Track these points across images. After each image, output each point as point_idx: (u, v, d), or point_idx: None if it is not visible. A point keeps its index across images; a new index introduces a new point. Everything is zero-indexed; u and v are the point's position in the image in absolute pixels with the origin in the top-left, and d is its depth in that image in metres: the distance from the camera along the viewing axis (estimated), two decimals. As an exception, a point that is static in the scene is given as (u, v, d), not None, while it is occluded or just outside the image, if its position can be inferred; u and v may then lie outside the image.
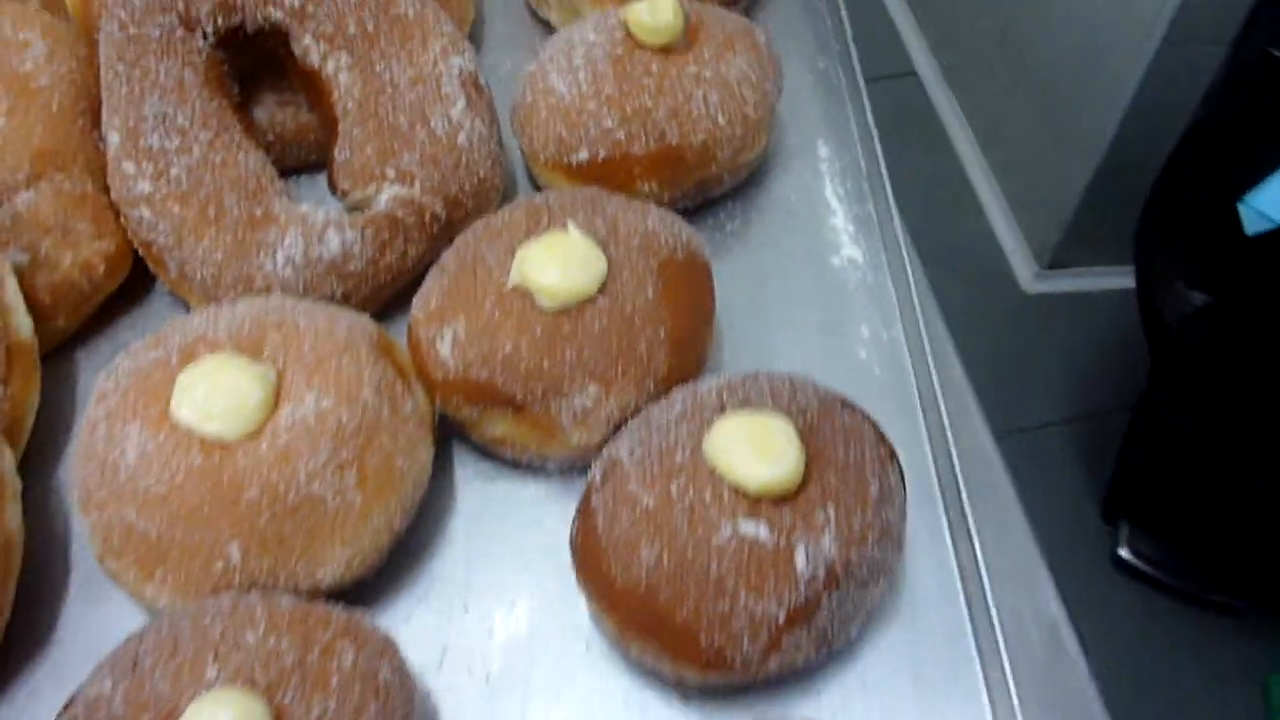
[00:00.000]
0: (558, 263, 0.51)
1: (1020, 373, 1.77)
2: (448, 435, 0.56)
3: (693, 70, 0.59)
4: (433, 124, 0.59)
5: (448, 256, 0.55)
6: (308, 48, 0.60)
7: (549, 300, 0.50)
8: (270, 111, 0.64)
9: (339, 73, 0.60)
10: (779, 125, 0.66)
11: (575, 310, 0.51)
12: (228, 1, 0.59)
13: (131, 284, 0.61)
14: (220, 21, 0.60)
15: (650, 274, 0.52)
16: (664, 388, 0.52)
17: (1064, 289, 1.83)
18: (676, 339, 0.52)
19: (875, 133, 0.66)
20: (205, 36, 0.60)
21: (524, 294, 0.51)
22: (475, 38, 0.72)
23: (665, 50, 0.60)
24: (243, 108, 0.63)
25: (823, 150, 0.66)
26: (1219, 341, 1.27)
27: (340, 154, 0.59)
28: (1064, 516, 1.66)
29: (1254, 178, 1.13)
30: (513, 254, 0.53)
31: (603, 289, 0.51)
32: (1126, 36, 1.40)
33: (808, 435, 0.47)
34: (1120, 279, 1.80)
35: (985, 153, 1.91)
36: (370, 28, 0.60)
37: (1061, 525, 1.64)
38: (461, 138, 0.59)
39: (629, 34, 0.60)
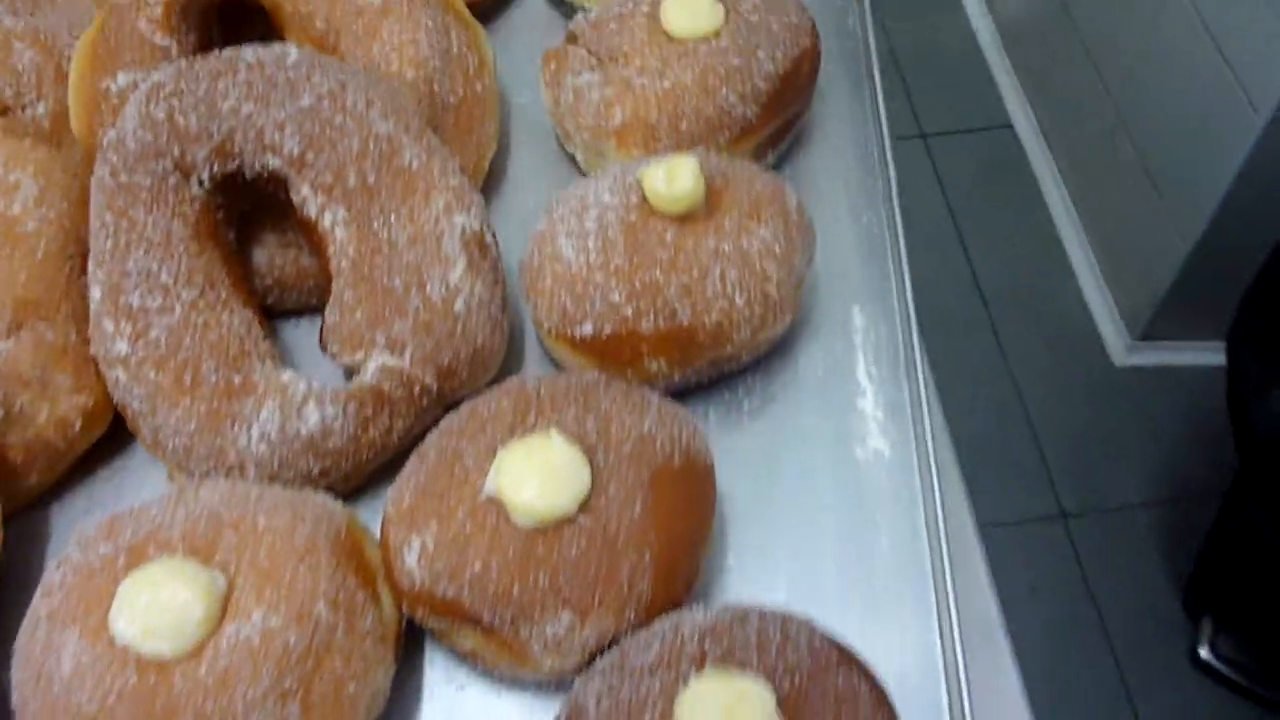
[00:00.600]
0: (537, 476, 0.46)
1: (1103, 448, 1.69)
2: (419, 631, 0.52)
3: (711, 243, 0.55)
4: (429, 288, 0.55)
5: (429, 444, 0.52)
6: (305, 198, 0.57)
7: (524, 518, 0.46)
8: (271, 253, 0.61)
9: (335, 227, 0.56)
10: (812, 283, 0.61)
11: (553, 530, 0.46)
12: (225, 148, 0.56)
13: (114, 432, 0.58)
14: (217, 168, 0.57)
15: (640, 487, 0.48)
16: (647, 616, 0.47)
17: (1155, 362, 1.75)
18: (663, 564, 0.47)
19: (912, 307, 0.60)
20: (201, 183, 0.57)
21: (499, 506, 0.47)
22: (498, 168, 0.68)
23: (682, 219, 0.55)
24: (238, 255, 0.60)
25: (858, 319, 0.61)
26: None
27: (330, 316, 0.56)
28: (1140, 607, 1.57)
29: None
30: (493, 454, 0.49)
31: (585, 505, 0.47)
32: (1234, 109, 1.33)
33: (792, 703, 0.42)
34: (1216, 355, 1.71)
35: (1080, 213, 1.83)
36: (371, 180, 0.56)
37: (1137, 616, 1.56)
38: (459, 303, 0.55)
39: (644, 199, 0.55)
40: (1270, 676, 1.44)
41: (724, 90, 0.61)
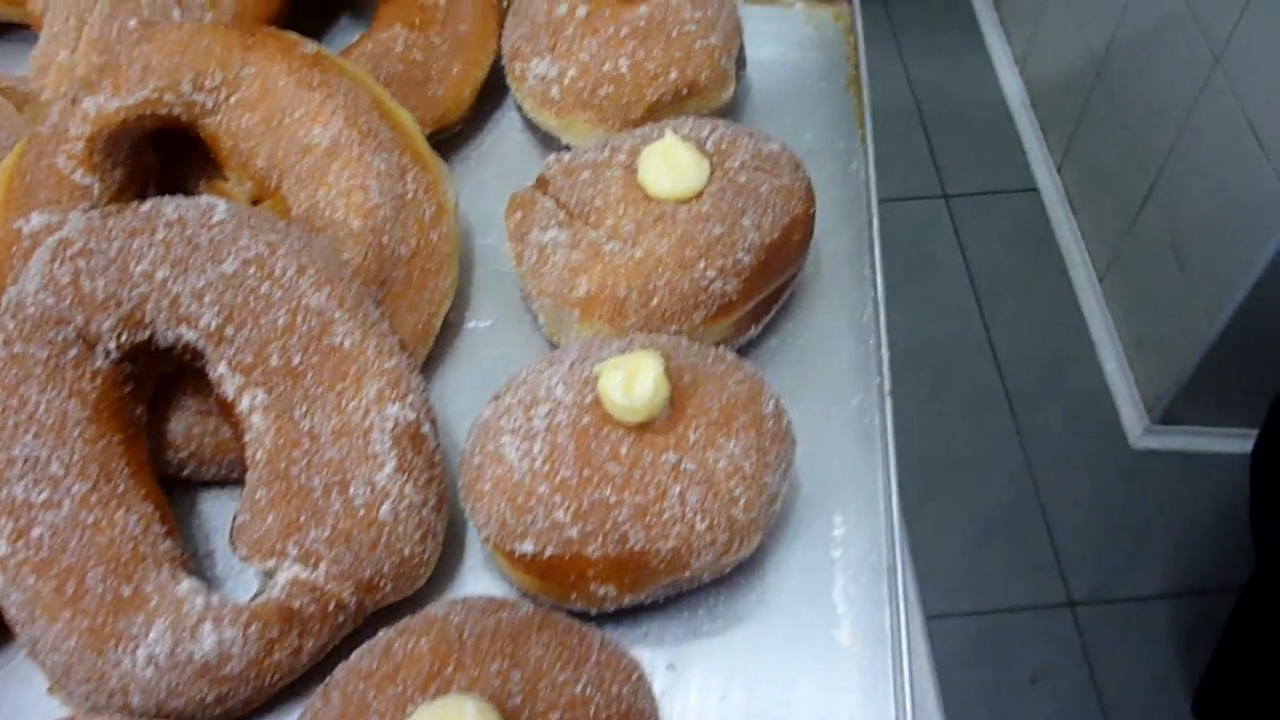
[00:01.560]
0: (445, 753, 0.40)
1: (1116, 534, 1.63)
2: None
3: (671, 459, 0.48)
4: (352, 490, 0.49)
5: (335, 684, 0.45)
6: (222, 376, 0.51)
7: (427, 805, 0.40)
8: (189, 422, 0.55)
9: (253, 413, 0.50)
10: (790, 483, 0.54)
11: (459, 820, 0.40)
12: (135, 317, 0.50)
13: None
14: (124, 337, 0.51)
15: (565, 767, 0.41)
16: None
17: (1174, 446, 1.69)
18: None
19: (898, 515, 0.53)
20: (107, 353, 0.51)
21: (401, 783, 0.40)
22: (454, 320, 0.62)
23: (641, 428, 0.48)
24: (147, 432, 0.54)
25: (838, 528, 0.54)
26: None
27: (241, 515, 0.50)
28: (1146, 704, 1.51)
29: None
30: (402, 712, 0.42)
31: (500, 789, 0.40)
32: (1269, 196, 1.29)
33: None
34: (1237, 443, 1.65)
35: (1104, 286, 1.78)
36: (296, 360, 0.50)
37: (1142, 714, 1.49)
38: (385, 509, 0.49)
39: (601, 405, 0.49)
40: (1278, 791, 1.37)
41: (702, 264, 0.55)
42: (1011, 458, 1.69)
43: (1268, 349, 1.47)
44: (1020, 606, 1.58)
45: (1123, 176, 1.65)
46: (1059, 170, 1.95)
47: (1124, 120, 1.65)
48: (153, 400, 0.55)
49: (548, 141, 0.68)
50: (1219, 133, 1.37)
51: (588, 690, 0.43)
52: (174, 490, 0.55)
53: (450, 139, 0.68)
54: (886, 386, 0.56)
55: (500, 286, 0.63)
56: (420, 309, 0.58)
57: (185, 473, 0.56)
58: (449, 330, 0.61)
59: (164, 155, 0.61)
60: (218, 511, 0.56)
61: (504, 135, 0.70)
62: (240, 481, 0.55)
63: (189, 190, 0.61)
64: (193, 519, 0.56)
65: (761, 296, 0.57)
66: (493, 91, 0.69)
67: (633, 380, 0.48)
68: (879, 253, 0.61)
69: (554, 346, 0.60)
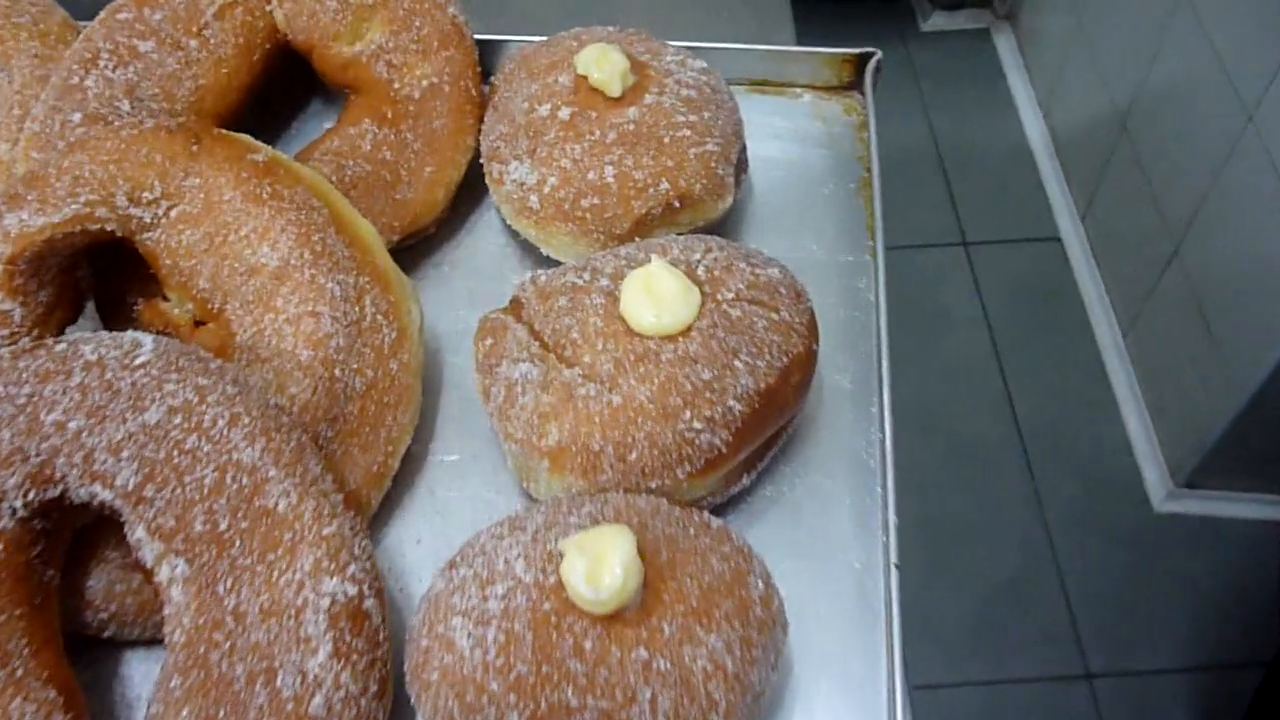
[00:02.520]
0: None
1: (1134, 603, 1.58)
2: None
3: (642, 656, 0.42)
4: (280, 680, 0.43)
5: None
6: (141, 541, 0.45)
7: None
8: (109, 579, 0.49)
9: (172, 585, 0.45)
10: (783, 664, 0.48)
11: None
12: (43, 473, 0.45)
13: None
14: (32, 495, 0.45)
15: None
16: None
17: (1198, 511, 1.64)
18: None
19: (902, 703, 0.47)
20: (13, 512, 0.45)
21: None
22: (416, 453, 0.56)
23: (611, 619, 0.42)
24: (72, 580, 0.48)
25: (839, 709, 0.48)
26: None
27: (154, 706, 0.44)
28: None
29: None
30: None
31: None
32: None
33: None
34: (1264, 509, 1.59)
35: (1127, 343, 1.73)
36: (223, 526, 0.44)
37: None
38: (317, 702, 0.43)
39: (564, 590, 0.43)
40: None
41: (687, 414, 0.49)
42: (1028, 520, 1.63)
43: None
44: (1035, 678, 1.53)
45: (1148, 230, 1.60)
46: (1082, 220, 1.89)
47: (1150, 173, 1.60)
48: (71, 550, 0.49)
49: (529, 247, 0.62)
50: (1250, 193, 1.33)
51: None
52: (94, 651, 0.50)
53: (423, 242, 0.63)
54: (893, 557, 0.50)
55: (470, 415, 0.57)
56: (375, 448, 0.53)
57: (106, 634, 0.50)
58: (410, 464, 0.55)
59: (101, 268, 0.56)
60: (143, 676, 0.51)
61: (482, 238, 0.64)
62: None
63: (127, 307, 0.56)
64: (115, 685, 0.50)
65: (754, 446, 0.51)
66: (471, 189, 0.63)
67: (599, 566, 0.42)
68: (888, 391, 0.55)
69: (526, 491, 0.54)
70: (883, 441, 0.55)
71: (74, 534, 0.49)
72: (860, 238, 0.63)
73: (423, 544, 0.54)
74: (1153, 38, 1.55)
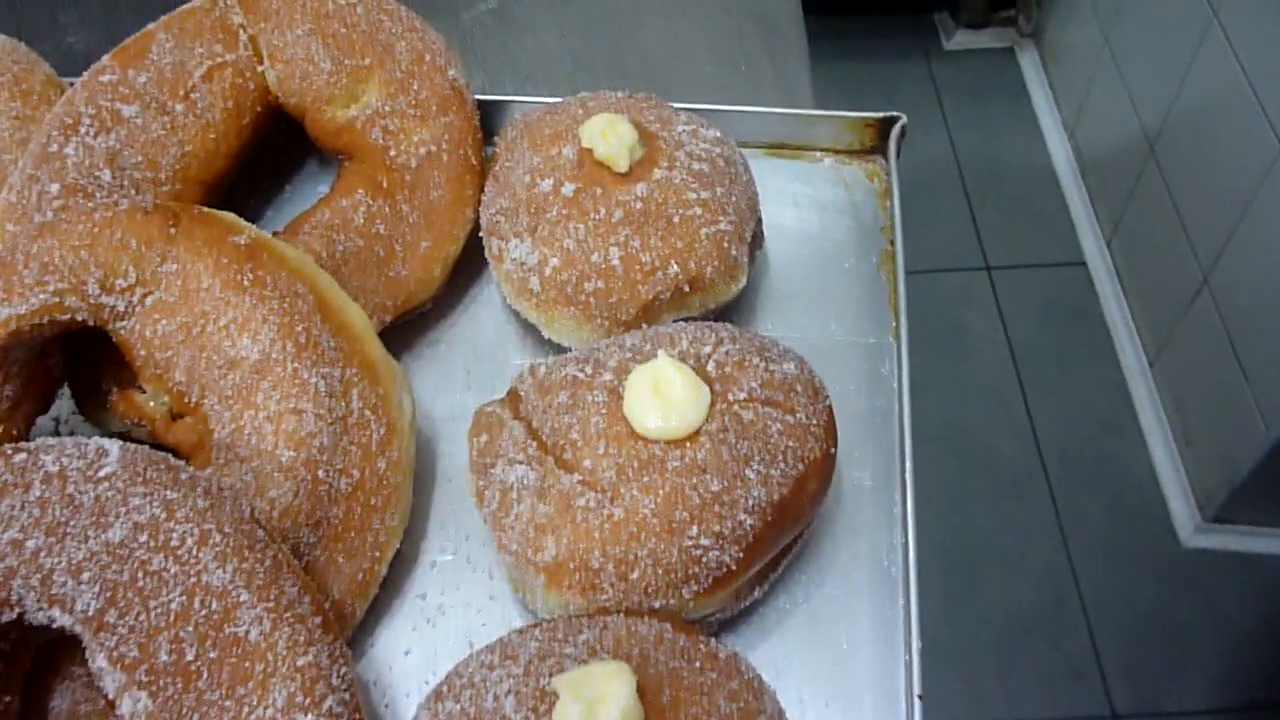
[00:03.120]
0: None
1: (1163, 640, 1.54)
2: None
3: (641, 813, 0.38)
4: (248, 831, 0.39)
5: None
6: (102, 670, 0.42)
7: None
8: (74, 699, 0.46)
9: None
10: None
11: None
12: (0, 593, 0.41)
13: None
14: (-12, 619, 0.42)
15: None
16: None
17: (1228, 547, 1.60)
18: None
19: None
20: (-33, 634, 0.42)
21: None
22: (407, 555, 0.53)
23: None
24: (35, 697, 0.45)
25: None
26: None
27: None
28: None
29: None
30: None
31: None
32: None
33: None
34: None
35: (1155, 372, 1.69)
36: (190, 656, 0.41)
37: None
38: None
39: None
40: None
41: (694, 529, 0.45)
42: (1051, 552, 1.59)
43: None
44: (1059, 718, 1.48)
45: (1176, 257, 1.56)
46: (1109, 245, 1.85)
47: (1179, 197, 1.56)
48: (34, 667, 0.46)
49: (530, 326, 0.58)
50: None
51: None
52: (57, 774, 0.46)
53: (419, 318, 0.59)
54: (916, 688, 0.46)
55: (465, 508, 0.54)
56: (361, 554, 0.49)
57: (70, 758, 0.46)
58: (400, 564, 0.52)
59: (75, 350, 0.53)
60: (110, 799, 0.47)
61: (481, 314, 0.60)
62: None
63: (101, 395, 0.52)
64: (79, 810, 0.47)
65: (764, 562, 0.48)
66: (471, 259, 0.60)
67: (595, 712, 0.39)
68: (911, 489, 0.51)
69: (523, 601, 0.50)
70: (905, 546, 0.51)
71: (36, 651, 0.46)
72: (883, 317, 0.59)
73: (411, 655, 0.50)
74: (1182, 59, 1.51)
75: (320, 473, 0.48)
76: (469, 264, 0.60)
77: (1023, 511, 1.64)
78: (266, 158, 0.64)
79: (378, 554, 0.50)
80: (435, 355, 0.59)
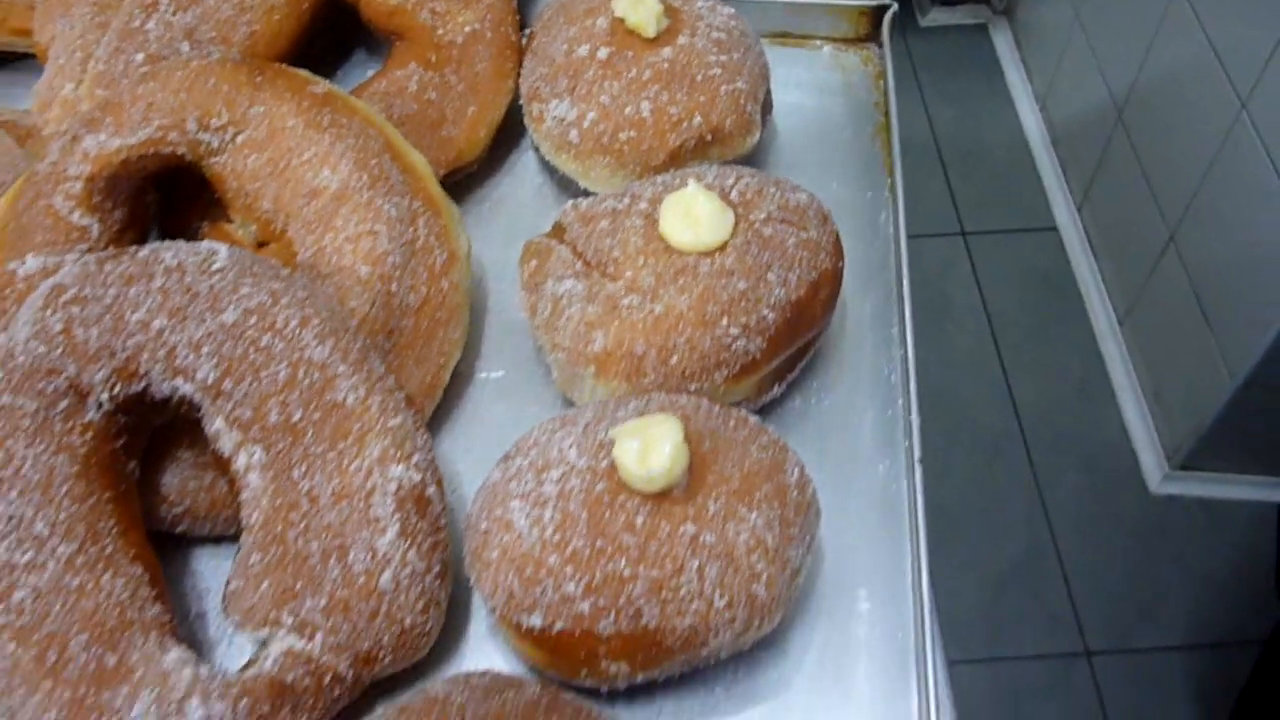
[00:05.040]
0: None
1: (1133, 584, 1.61)
2: None
3: (689, 530, 0.45)
4: (351, 557, 0.46)
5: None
6: (219, 431, 0.48)
7: None
8: (183, 476, 0.52)
9: (250, 471, 0.48)
10: (814, 554, 0.51)
11: None
12: (128, 368, 0.48)
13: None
14: (118, 389, 0.48)
15: None
16: None
17: (1194, 493, 1.66)
18: None
19: (928, 593, 0.50)
20: (99, 405, 0.48)
21: None
22: (464, 371, 0.59)
23: (659, 497, 0.46)
24: (146, 476, 0.51)
25: (864, 602, 0.51)
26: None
27: (235, 581, 0.47)
28: None
29: None
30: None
31: None
32: None
33: None
34: (1259, 490, 1.62)
35: (1124, 329, 1.75)
36: (297, 417, 0.48)
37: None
38: (386, 577, 0.46)
39: (616, 472, 0.46)
40: None
41: (724, 321, 0.52)
42: (1029, 506, 1.67)
43: None
44: (1037, 655, 1.55)
45: (1144, 219, 1.63)
46: (1079, 210, 1.92)
47: (1146, 162, 1.63)
48: (146, 452, 0.52)
49: (565, 185, 0.65)
50: (1244, 180, 1.35)
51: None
52: (166, 547, 0.53)
53: (464, 182, 0.66)
54: (917, 454, 0.53)
55: (513, 337, 0.61)
56: (429, 361, 0.56)
57: (179, 529, 0.53)
58: (458, 381, 0.59)
59: (166, 196, 0.59)
60: (212, 570, 0.54)
61: (520, 179, 0.67)
62: (237, 538, 0.53)
63: (191, 232, 0.59)
64: (185, 578, 0.53)
65: (786, 355, 0.55)
66: (509, 133, 0.67)
67: (650, 448, 0.45)
68: (909, 312, 0.58)
69: (568, 402, 0.57)
70: (904, 357, 0.58)
71: (149, 435, 0.52)
72: (879, 177, 0.66)
73: (472, 453, 0.57)
74: (1148, 30, 1.58)
75: (393, 287, 0.55)
76: (506, 136, 0.67)
77: (999, 466, 1.70)
78: (320, 48, 0.71)
79: (442, 361, 0.57)
80: (481, 213, 0.66)
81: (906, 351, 0.58)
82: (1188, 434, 1.57)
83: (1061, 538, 1.65)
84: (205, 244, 0.51)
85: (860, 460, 0.56)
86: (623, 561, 0.45)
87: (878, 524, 0.54)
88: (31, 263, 0.53)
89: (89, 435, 0.48)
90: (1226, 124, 1.37)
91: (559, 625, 0.46)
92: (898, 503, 0.54)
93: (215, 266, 0.49)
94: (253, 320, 0.49)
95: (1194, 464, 1.60)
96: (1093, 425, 1.75)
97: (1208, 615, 1.58)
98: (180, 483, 0.52)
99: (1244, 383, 1.41)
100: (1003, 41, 2.24)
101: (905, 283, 0.60)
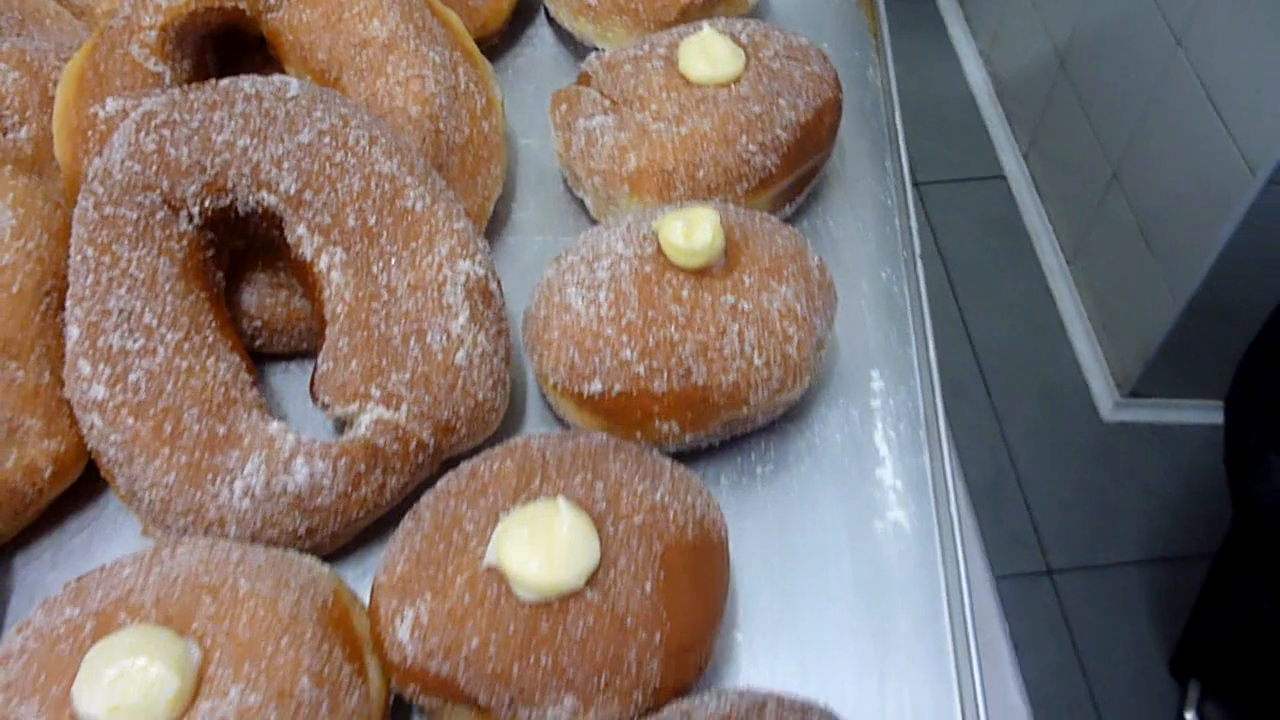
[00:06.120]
0: (542, 547, 0.43)
1: (1091, 505, 1.67)
2: (405, 709, 0.48)
3: (729, 300, 0.52)
4: (429, 339, 0.52)
5: (425, 505, 0.48)
6: (301, 238, 0.54)
7: (528, 592, 0.43)
8: (261, 294, 0.58)
9: (332, 270, 0.53)
10: (830, 343, 0.58)
11: (558, 606, 0.43)
12: (217, 183, 0.53)
13: (85, 481, 0.54)
14: (208, 203, 0.53)
15: (651, 563, 0.44)
16: (655, 701, 0.44)
17: (1145, 419, 1.73)
18: (674, 646, 0.44)
19: (936, 370, 0.57)
20: (190, 218, 0.53)
21: (500, 577, 0.43)
22: (501, 213, 0.65)
23: (700, 274, 0.52)
24: (226, 296, 0.57)
25: (876, 383, 0.58)
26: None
27: (323, 364, 0.53)
28: (1126, 667, 1.55)
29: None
30: (494, 520, 0.45)
31: (592, 580, 0.43)
32: (1232, 171, 1.32)
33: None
34: (1206, 413, 1.70)
35: (1072, 268, 1.82)
36: (372, 222, 0.53)
37: (1122, 676, 1.53)
38: (460, 355, 0.52)
39: (660, 250, 0.52)
40: (1254, 744, 1.41)
41: (744, 139, 0.58)
42: (991, 439, 1.74)
43: (1232, 320, 1.51)
44: (1002, 575, 1.62)
45: (1088, 161, 1.69)
46: (1026, 158, 2.00)
47: (1088, 107, 1.69)
48: (227, 272, 0.58)
49: (580, 53, 0.71)
50: (1182, 113, 1.41)
51: (665, 498, 0.47)
52: (245, 362, 0.58)
53: (486, 53, 0.72)
54: (917, 249, 0.60)
55: (544, 184, 0.67)
56: (474, 194, 0.62)
57: (258, 343, 0.58)
58: (495, 221, 0.65)
59: (223, 58, 0.64)
60: (285, 384, 0.59)
61: (538, 50, 0.73)
62: (308, 354, 0.59)
63: (248, 88, 0.64)
64: (261, 390, 0.59)
65: (798, 174, 0.61)
66: (525, 10, 0.73)
67: (693, 228, 0.52)
68: (904, 145, 0.65)
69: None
70: (900, 177, 0.65)
71: (230, 255, 0.58)
72: (865, 39, 0.73)
73: (509, 282, 0.63)
74: (1087, -20, 1.64)
75: (440, 125, 0.61)
76: (523, 11, 0.73)
77: (964, 407, 1.78)
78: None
79: (486, 194, 0.62)
80: (504, 81, 0.72)
81: (903, 166, 0.65)
82: (1136, 362, 1.64)
83: (1021, 466, 1.71)
84: (278, 77, 0.56)
85: (865, 269, 0.62)
86: (672, 328, 0.51)
87: (886, 317, 0.60)
88: (111, 105, 0.58)
89: (184, 243, 0.53)
90: (1164, 63, 1.43)
91: (618, 388, 0.52)
92: (900, 300, 0.61)
93: (289, 94, 0.55)
94: (326, 140, 0.54)
95: (1143, 391, 1.67)
96: (1047, 359, 1.83)
97: (1162, 532, 1.65)
98: (259, 300, 0.58)
99: (1187, 307, 1.47)
100: (946, 2, 2.33)
101: (898, 120, 0.67)
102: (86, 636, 0.42)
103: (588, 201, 0.63)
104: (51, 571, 0.53)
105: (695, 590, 0.45)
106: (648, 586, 0.44)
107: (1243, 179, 1.30)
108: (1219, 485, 1.28)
